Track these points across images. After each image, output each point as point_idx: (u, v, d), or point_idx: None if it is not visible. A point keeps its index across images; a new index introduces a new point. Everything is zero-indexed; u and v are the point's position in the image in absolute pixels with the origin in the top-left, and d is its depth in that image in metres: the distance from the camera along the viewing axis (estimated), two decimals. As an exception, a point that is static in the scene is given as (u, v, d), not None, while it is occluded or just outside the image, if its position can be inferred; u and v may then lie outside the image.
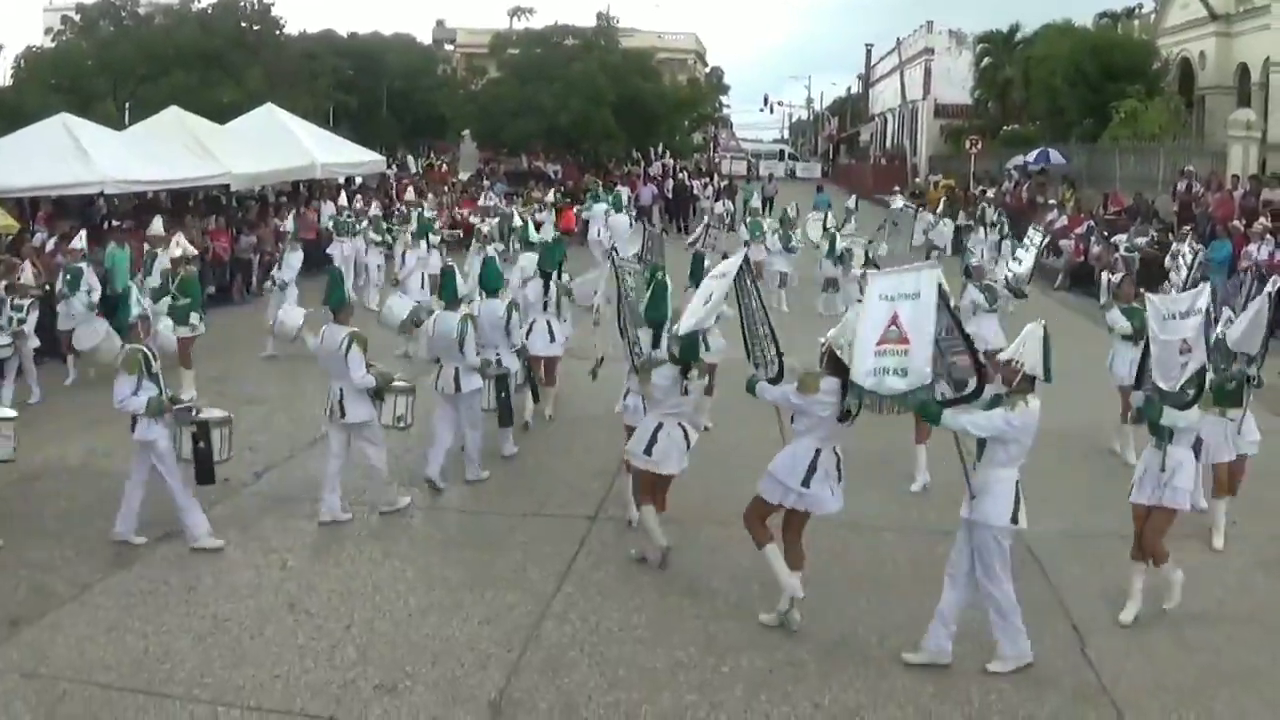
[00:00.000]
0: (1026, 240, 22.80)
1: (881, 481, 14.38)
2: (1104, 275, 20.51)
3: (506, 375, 15.74)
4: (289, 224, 25.89)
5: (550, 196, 38.99)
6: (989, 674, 10.05)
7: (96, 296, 19.74)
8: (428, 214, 29.52)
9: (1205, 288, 11.33)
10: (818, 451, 10.65)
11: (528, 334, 17.00)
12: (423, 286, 23.01)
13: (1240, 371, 13.08)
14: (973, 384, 9.93)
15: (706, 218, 28.67)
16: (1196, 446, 12.78)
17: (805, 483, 10.63)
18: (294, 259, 23.13)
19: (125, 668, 9.88)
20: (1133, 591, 11.12)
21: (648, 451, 12.05)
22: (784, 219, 31.60)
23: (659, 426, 12.03)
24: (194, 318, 19.18)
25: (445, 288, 15.27)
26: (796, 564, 10.92)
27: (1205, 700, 9.76)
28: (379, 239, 29.44)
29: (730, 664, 10.20)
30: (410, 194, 37.02)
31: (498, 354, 15.52)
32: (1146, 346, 11.31)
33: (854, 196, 37.34)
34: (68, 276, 19.76)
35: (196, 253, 20.52)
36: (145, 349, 12.61)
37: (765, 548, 10.99)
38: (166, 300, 19.68)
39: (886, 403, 10.04)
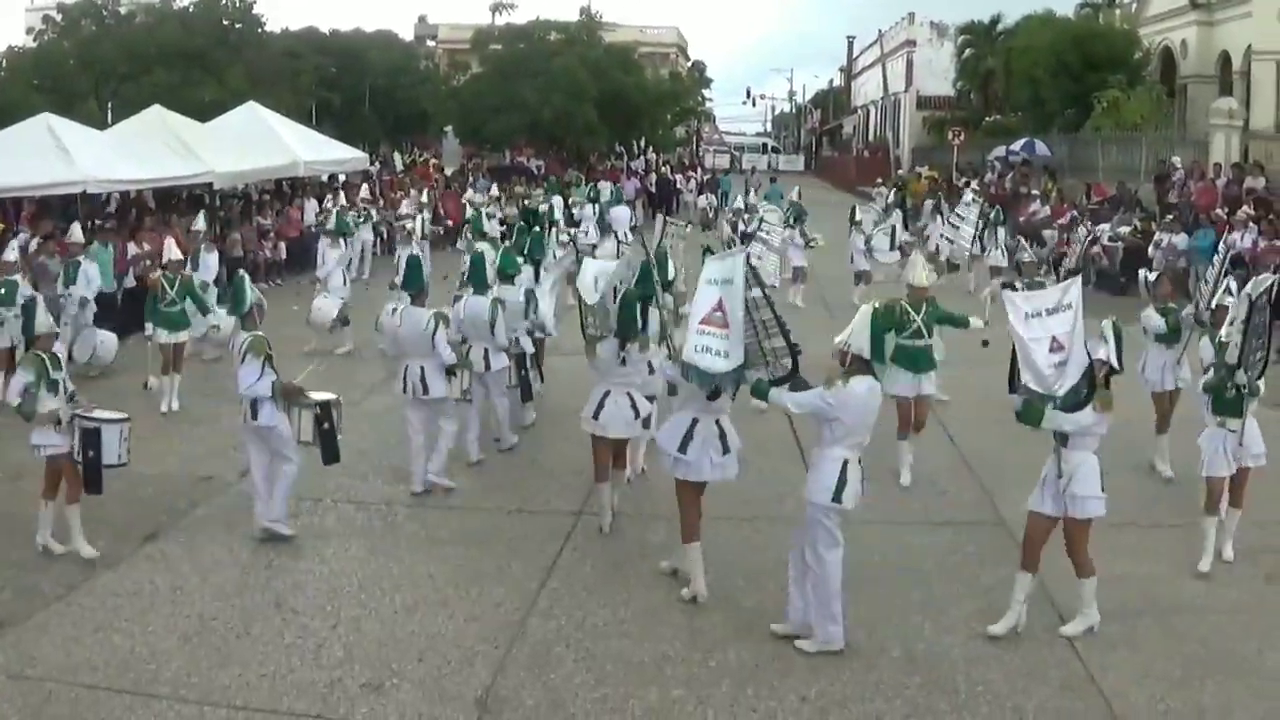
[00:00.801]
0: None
1: (869, 477, 14.37)
2: (1140, 272, 19.96)
3: (524, 355, 16.62)
4: (199, 223, 25.22)
5: (494, 190, 38.81)
6: (971, 665, 10.09)
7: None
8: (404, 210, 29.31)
9: (1077, 280, 10.97)
10: (695, 421, 11.19)
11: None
12: (344, 284, 23.01)
13: (1223, 379, 12.31)
14: (788, 365, 10.52)
15: (760, 212, 28.06)
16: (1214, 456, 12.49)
17: (682, 449, 11.12)
18: (210, 260, 22.97)
19: (112, 668, 9.88)
20: (1013, 601, 10.78)
21: (595, 416, 12.83)
22: (794, 212, 30.12)
23: (606, 394, 12.82)
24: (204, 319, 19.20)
25: (475, 274, 15.89)
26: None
27: (1192, 690, 9.78)
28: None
29: (717, 658, 10.21)
30: (364, 192, 36.71)
31: (517, 335, 16.24)
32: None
33: (797, 189, 36.48)
34: (1, 291, 18.79)
35: (183, 257, 20.14)
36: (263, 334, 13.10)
37: (688, 544, 11.47)
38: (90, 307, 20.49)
39: (720, 380, 10.66)
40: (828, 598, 10.26)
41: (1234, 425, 12.25)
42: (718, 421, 11.24)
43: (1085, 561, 10.67)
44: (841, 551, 10.35)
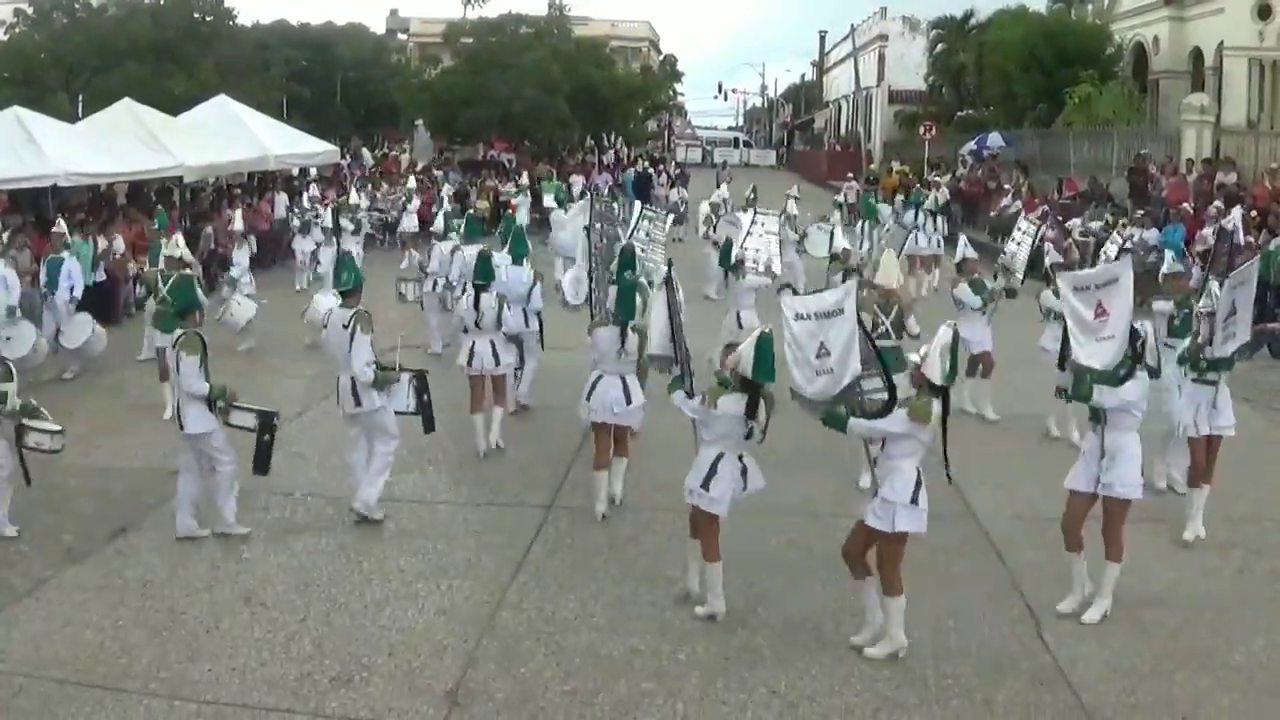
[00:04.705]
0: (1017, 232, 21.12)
1: (837, 470, 14.40)
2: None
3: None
4: (237, 222, 25.05)
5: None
6: (941, 658, 10.10)
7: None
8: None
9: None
10: (720, 456, 10.74)
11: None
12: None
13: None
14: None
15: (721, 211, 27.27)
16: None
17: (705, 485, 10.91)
18: (72, 267, 22.62)
19: (81, 662, 9.84)
20: (1074, 585, 11.10)
21: (588, 399, 13.26)
22: (785, 212, 28.38)
23: (600, 378, 13.22)
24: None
25: (515, 245, 16.98)
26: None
27: (1162, 682, 9.81)
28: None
29: (686, 651, 10.21)
30: (353, 192, 36.62)
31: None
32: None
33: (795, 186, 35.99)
34: None
35: (190, 257, 19.55)
36: None
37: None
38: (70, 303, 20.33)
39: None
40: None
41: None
42: (740, 457, 10.86)
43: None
44: None
